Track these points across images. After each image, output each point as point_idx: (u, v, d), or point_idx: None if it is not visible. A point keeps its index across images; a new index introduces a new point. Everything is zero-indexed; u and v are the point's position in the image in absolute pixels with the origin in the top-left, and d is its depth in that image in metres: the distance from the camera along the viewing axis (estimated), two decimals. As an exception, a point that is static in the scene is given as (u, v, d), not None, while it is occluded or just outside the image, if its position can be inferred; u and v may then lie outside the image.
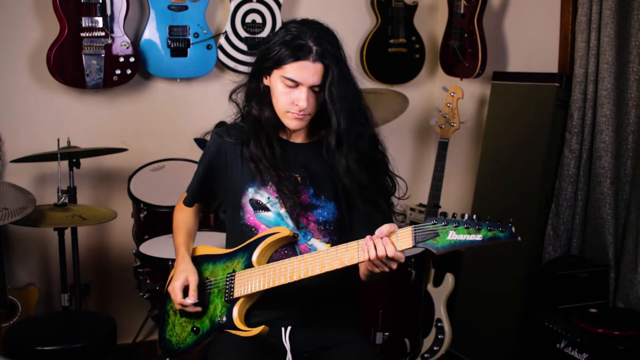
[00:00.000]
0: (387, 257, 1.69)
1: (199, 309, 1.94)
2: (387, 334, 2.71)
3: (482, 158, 3.45)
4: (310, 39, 1.83)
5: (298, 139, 2.00)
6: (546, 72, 3.15)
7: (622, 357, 2.48)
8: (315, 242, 1.94)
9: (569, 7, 3.05)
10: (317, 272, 1.77)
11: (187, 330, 1.97)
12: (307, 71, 1.83)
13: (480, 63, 3.41)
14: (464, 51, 3.49)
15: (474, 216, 1.62)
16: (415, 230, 1.66)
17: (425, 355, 3.20)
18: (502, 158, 3.33)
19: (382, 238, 1.70)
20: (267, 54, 1.87)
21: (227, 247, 2.03)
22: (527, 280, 3.09)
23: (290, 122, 1.91)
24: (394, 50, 3.75)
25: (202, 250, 2.06)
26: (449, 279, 3.29)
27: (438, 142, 3.32)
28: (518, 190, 3.20)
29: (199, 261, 2.03)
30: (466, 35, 3.46)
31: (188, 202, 2.13)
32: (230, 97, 2.03)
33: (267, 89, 1.92)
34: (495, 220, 1.62)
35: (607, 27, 2.81)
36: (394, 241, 1.69)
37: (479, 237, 1.59)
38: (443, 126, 3.31)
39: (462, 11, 3.46)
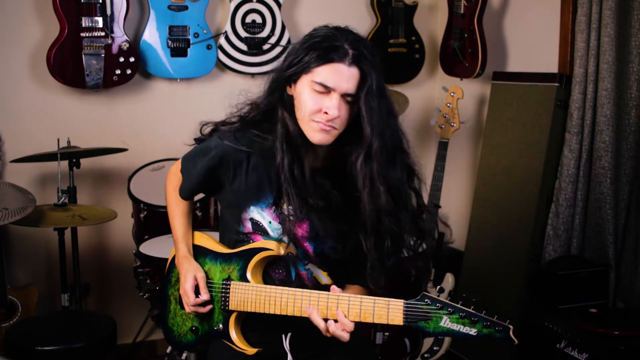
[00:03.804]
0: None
1: (210, 307, 1.85)
2: (387, 334, 2.71)
3: (482, 158, 3.45)
4: (346, 42, 1.63)
5: (315, 163, 1.77)
6: (546, 72, 3.15)
7: (622, 357, 2.48)
8: (312, 267, 1.84)
9: (569, 7, 3.06)
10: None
11: (187, 327, 1.95)
12: (341, 75, 1.62)
13: (480, 63, 3.41)
14: (464, 51, 3.49)
15: (471, 302, 1.53)
16: (406, 308, 1.57)
17: (425, 355, 3.20)
18: (502, 158, 3.33)
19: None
20: (293, 58, 1.67)
21: (222, 240, 1.95)
22: (527, 280, 3.09)
23: (315, 134, 1.66)
24: (394, 50, 3.75)
25: (199, 240, 1.99)
26: (449, 279, 3.29)
27: (438, 142, 3.32)
28: (518, 190, 3.20)
29: (197, 252, 1.95)
30: (466, 35, 3.46)
31: (185, 198, 1.99)
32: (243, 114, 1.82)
33: (292, 99, 1.70)
34: (492, 314, 1.53)
35: (607, 27, 2.81)
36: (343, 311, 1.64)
37: (472, 332, 1.53)
38: (443, 126, 3.31)
39: (462, 11, 3.46)
